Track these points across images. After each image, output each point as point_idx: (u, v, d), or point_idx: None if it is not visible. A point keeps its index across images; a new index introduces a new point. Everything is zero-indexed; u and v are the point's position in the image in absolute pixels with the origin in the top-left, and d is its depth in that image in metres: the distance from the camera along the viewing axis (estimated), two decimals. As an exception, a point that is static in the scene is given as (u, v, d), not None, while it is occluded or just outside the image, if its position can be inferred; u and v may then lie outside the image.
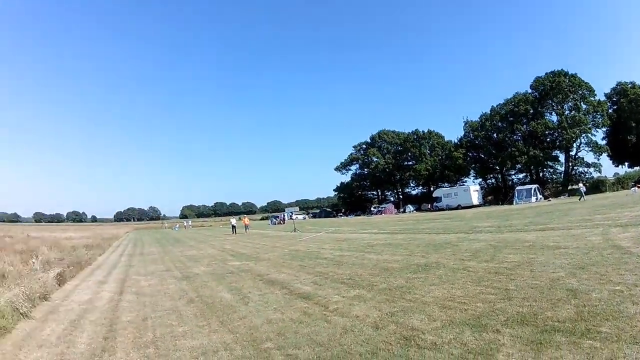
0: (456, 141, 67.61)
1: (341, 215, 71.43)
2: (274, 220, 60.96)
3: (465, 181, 64.88)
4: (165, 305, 7.49)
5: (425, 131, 71.91)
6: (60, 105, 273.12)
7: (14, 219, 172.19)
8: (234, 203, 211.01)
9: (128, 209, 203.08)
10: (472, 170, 66.52)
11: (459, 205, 51.25)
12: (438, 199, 56.73)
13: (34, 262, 12.62)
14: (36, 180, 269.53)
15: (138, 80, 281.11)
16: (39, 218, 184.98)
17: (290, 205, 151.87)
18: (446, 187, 62.19)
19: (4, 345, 5.72)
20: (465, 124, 65.26)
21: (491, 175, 65.28)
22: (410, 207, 61.68)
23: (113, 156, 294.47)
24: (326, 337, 4.68)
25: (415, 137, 72.05)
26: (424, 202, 65.65)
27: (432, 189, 68.17)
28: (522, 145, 55.28)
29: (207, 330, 5.58)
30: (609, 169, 77.46)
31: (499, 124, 59.16)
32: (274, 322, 5.57)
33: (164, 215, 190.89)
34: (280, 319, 5.72)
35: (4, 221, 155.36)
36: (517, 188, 48.73)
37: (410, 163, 71.52)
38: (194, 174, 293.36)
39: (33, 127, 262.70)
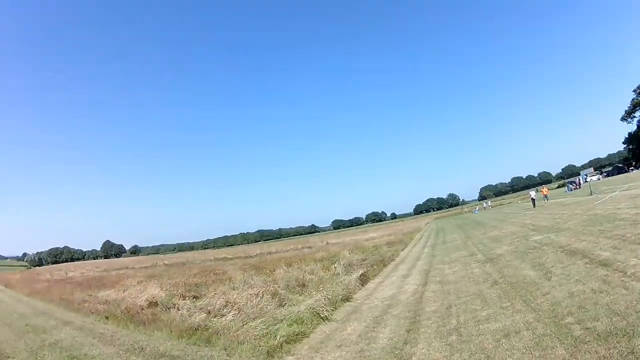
0: None
1: (632, 169, 67.79)
2: (570, 186, 57.79)
3: None
4: (470, 290, 8.18)
5: None
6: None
7: (312, 230, 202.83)
8: (530, 175, 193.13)
9: (427, 201, 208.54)
10: None
11: None
12: None
13: (335, 267, 13.69)
14: (334, 191, 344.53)
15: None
16: (337, 225, 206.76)
17: (583, 167, 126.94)
18: None
19: (300, 350, 6.19)
20: None
21: None
22: None
23: (405, 156, 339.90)
24: (623, 305, 4.67)
25: None
26: None
27: None
28: None
29: (511, 311, 5.84)
30: None
31: None
32: (575, 295, 5.70)
33: (463, 200, 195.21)
34: (582, 291, 5.80)
35: (300, 234, 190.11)
36: None
37: None
38: (486, 154, 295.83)
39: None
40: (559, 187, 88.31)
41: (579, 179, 60.04)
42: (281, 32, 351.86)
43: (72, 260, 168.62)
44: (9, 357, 7.93)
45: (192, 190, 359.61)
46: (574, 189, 52.73)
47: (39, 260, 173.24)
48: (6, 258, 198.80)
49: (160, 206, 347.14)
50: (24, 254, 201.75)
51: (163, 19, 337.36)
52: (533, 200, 36.54)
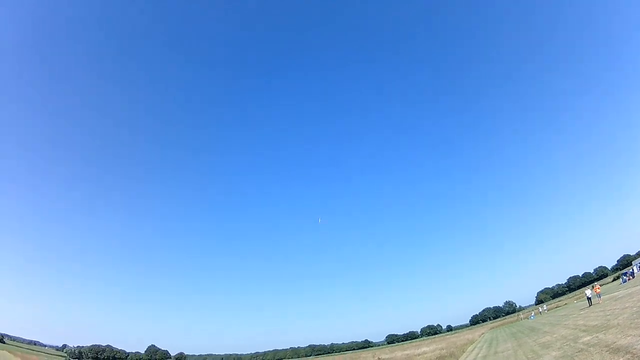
0: None
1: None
2: (624, 277, 57.67)
3: None
4: None
5: None
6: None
7: (365, 345, 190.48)
8: (586, 272, 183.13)
9: (483, 310, 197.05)
10: None
11: None
12: None
13: None
14: (388, 305, 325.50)
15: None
16: (391, 339, 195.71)
17: (639, 255, 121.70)
18: None
19: None
20: None
21: None
22: None
23: (460, 266, 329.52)
24: None
25: None
26: None
27: None
28: None
29: None
30: None
31: None
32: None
33: (519, 306, 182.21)
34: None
35: (353, 349, 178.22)
36: None
37: None
38: (541, 256, 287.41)
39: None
40: (613, 279, 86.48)
41: (632, 269, 59.14)
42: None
43: (114, 359, 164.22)
44: None
45: (244, 301, 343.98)
46: (628, 279, 52.36)
47: (79, 354, 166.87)
48: (45, 346, 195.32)
49: (211, 314, 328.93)
50: (64, 345, 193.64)
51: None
52: (589, 299, 37.57)
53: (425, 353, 33.39)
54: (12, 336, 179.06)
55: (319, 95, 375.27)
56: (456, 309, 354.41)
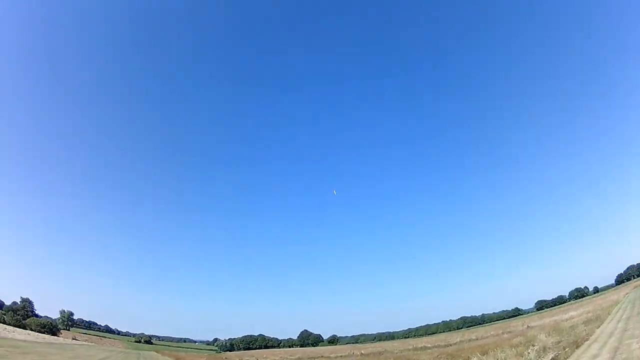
0: None
1: None
2: None
3: None
4: None
5: None
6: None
7: (515, 313, 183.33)
8: None
9: (627, 268, 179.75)
10: None
11: None
12: None
13: (528, 352, 14.14)
14: (537, 270, 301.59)
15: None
16: (541, 306, 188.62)
17: None
18: None
19: None
20: None
21: None
22: None
23: (602, 223, 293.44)
24: None
25: None
26: None
27: None
28: None
29: None
30: None
31: None
32: None
33: None
34: None
35: (503, 318, 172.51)
36: None
37: None
38: None
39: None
40: None
41: None
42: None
43: (266, 347, 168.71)
44: None
45: (393, 281, 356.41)
46: None
47: (231, 346, 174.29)
48: (195, 342, 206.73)
49: (361, 297, 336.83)
50: (215, 339, 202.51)
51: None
52: None
53: (573, 318, 33.29)
54: (161, 336, 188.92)
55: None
56: (602, 269, 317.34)
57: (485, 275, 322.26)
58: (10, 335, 43.91)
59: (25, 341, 38.60)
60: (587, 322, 23.68)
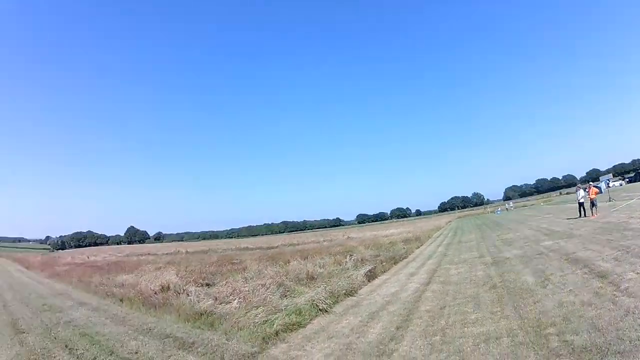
0: None
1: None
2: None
3: None
4: (467, 292, 8.29)
5: None
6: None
7: (336, 223, 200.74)
8: (555, 177, 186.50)
9: (452, 198, 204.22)
10: None
11: None
12: None
13: (346, 262, 14.12)
14: (359, 185, 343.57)
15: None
16: (362, 219, 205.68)
17: (608, 172, 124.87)
18: None
19: (294, 339, 6.64)
20: None
21: None
22: None
23: (432, 153, 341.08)
24: (606, 321, 4.69)
25: None
26: None
27: None
28: None
29: (499, 316, 6.00)
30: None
31: None
32: (564, 306, 5.76)
33: (487, 199, 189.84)
34: (571, 302, 5.86)
35: (325, 226, 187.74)
36: None
37: None
38: (512, 154, 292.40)
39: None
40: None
41: (600, 185, 55.89)
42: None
43: (96, 244, 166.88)
44: (24, 332, 8.44)
45: (218, 179, 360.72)
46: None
47: (62, 244, 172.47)
48: (29, 241, 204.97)
49: (186, 194, 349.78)
50: (47, 237, 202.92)
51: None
52: (581, 204, 21.72)
53: (392, 235, 33.40)
54: None
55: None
56: (426, 195, 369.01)
57: (310, 184, 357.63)
58: None
59: None
60: (406, 242, 24.19)
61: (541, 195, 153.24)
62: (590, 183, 45.21)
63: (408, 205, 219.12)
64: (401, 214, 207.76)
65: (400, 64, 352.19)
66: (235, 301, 9.06)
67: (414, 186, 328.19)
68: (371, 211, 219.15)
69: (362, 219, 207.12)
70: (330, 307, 8.37)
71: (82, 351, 6.74)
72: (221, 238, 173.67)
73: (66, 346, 7.12)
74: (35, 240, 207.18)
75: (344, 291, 9.65)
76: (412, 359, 4.99)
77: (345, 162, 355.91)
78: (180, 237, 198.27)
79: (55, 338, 7.79)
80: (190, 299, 9.87)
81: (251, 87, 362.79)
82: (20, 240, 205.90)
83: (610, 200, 27.56)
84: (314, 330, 6.96)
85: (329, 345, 6.02)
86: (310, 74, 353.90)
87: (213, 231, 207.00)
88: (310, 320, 7.60)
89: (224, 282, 11.57)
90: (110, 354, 6.48)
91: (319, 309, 8.15)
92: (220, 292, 10.26)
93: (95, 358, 6.34)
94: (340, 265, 14.19)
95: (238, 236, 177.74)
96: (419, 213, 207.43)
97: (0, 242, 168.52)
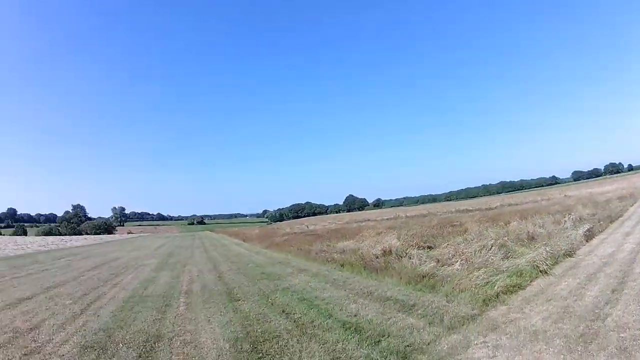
0: None
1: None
2: None
3: None
4: None
5: None
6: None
7: (552, 182, 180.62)
8: None
9: None
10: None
11: None
12: None
13: (565, 221, 14.28)
14: (574, 140, 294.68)
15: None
16: (577, 176, 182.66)
17: None
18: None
19: (513, 301, 6.55)
20: None
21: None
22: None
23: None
24: None
25: None
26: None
27: None
28: None
29: None
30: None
31: None
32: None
33: None
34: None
35: (541, 185, 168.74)
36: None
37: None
38: None
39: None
40: None
41: None
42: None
43: (314, 214, 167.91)
44: (239, 300, 8.46)
45: (434, 145, 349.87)
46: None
47: (280, 216, 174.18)
48: (246, 216, 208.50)
49: (405, 158, 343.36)
50: (265, 211, 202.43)
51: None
52: None
53: (608, 192, 33.01)
54: (212, 215, 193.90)
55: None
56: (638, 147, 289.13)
57: (526, 140, 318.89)
58: (68, 245, 43.93)
59: (82, 246, 40.17)
60: (621, 199, 24.08)
61: None
62: None
63: (620, 160, 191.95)
64: (614, 169, 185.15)
65: None
66: (457, 263, 9.10)
67: (626, 137, 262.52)
68: (585, 167, 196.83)
69: (578, 176, 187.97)
70: (550, 269, 8.28)
71: (300, 315, 6.80)
72: (439, 201, 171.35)
73: (283, 311, 7.18)
74: (252, 215, 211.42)
75: (563, 252, 9.60)
76: (623, 325, 4.85)
77: (562, 115, 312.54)
78: (399, 202, 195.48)
79: (272, 304, 7.86)
80: (412, 262, 9.95)
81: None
82: (236, 216, 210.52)
83: None
84: (533, 293, 6.93)
85: (547, 308, 5.96)
86: None
87: (432, 195, 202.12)
88: (530, 281, 7.56)
89: (445, 245, 11.63)
90: (329, 317, 6.50)
91: (540, 271, 8.09)
92: (442, 254, 10.32)
93: (313, 321, 6.34)
94: (559, 224, 14.29)
95: (456, 198, 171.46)
96: (630, 168, 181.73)
97: (218, 219, 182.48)
